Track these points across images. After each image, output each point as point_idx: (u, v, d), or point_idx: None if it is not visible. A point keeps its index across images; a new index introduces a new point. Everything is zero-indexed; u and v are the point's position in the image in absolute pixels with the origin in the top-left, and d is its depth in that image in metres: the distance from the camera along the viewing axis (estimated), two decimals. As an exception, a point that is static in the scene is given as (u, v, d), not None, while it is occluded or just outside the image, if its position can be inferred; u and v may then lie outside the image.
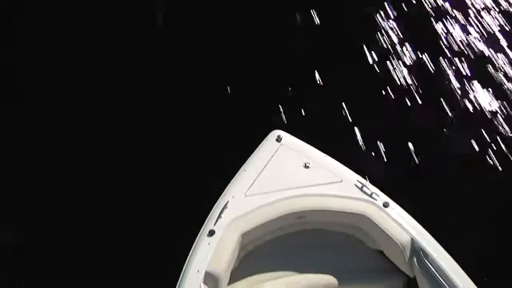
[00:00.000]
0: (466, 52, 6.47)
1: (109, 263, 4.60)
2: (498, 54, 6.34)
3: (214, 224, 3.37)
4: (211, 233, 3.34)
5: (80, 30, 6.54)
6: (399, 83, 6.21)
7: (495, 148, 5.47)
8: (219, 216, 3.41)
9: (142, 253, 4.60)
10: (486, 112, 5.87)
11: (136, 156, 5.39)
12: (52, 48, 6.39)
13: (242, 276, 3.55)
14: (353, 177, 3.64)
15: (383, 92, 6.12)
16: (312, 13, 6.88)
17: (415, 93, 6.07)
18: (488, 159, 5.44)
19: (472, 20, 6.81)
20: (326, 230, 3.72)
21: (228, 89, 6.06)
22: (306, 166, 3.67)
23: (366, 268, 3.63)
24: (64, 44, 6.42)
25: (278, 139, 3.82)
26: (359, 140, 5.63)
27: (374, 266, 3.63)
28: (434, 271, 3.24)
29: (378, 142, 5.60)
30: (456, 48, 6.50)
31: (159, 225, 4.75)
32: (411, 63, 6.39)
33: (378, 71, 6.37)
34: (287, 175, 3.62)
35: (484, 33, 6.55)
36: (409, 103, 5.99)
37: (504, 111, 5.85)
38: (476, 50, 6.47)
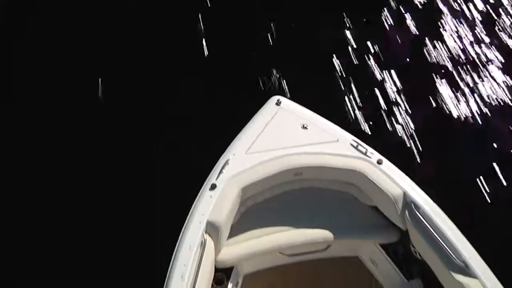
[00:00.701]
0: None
1: (116, 214, 4.86)
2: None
3: (216, 179, 3.55)
4: (213, 187, 3.52)
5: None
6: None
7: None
8: (221, 172, 3.59)
9: (148, 206, 4.86)
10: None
11: (144, 115, 5.62)
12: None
13: (242, 231, 3.73)
14: (349, 137, 3.81)
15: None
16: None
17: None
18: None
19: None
20: (323, 188, 3.89)
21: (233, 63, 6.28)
22: (304, 127, 3.84)
23: (361, 223, 3.80)
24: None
25: (278, 103, 3.99)
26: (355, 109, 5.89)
27: (368, 221, 3.80)
28: (425, 223, 3.41)
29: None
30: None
31: (164, 181, 5.01)
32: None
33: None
34: (286, 135, 3.80)
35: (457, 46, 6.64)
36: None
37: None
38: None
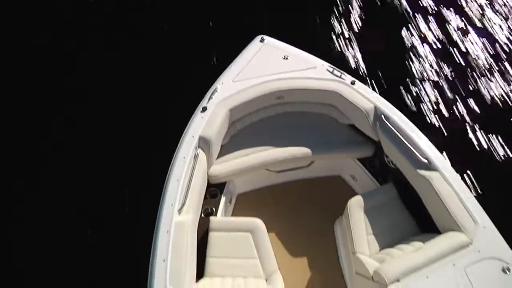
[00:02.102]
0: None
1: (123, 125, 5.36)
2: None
3: (207, 103, 3.99)
4: (204, 109, 3.95)
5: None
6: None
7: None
8: (210, 97, 4.02)
9: (150, 126, 5.34)
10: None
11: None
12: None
13: (232, 151, 4.16)
14: (325, 64, 4.23)
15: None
16: None
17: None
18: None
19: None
20: (304, 112, 4.31)
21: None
22: (285, 58, 4.25)
23: (339, 141, 4.20)
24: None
25: (261, 40, 4.41)
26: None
27: (346, 139, 4.20)
28: (393, 130, 3.81)
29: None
30: None
31: (160, 108, 5.50)
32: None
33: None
34: (268, 65, 4.21)
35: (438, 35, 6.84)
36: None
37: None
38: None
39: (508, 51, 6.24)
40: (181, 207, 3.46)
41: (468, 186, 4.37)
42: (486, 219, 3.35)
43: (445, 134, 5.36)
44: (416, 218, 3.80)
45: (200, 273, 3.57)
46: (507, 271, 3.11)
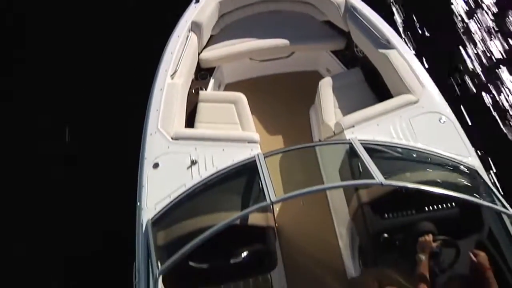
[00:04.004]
0: None
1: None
2: None
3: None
4: (197, 1, 4.54)
5: None
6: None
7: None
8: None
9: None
10: None
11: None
12: None
13: (221, 41, 4.75)
14: None
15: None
16: None
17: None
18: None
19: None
20: (285, 10, 4.89)
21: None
22: None
23: (316, 35, 4.78)
24: None
25: None
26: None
27: (322, 33, 4.78)
28: (361, 19, 4.38)
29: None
30: None
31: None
32: None
33: None
34: None
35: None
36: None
37: None
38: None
39: None
40: (173, 73, 4.07)
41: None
42: (432, 85, 3.95)
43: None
44: (378, 97, 4.38)
45: None
46: (442, 121, 3.71)
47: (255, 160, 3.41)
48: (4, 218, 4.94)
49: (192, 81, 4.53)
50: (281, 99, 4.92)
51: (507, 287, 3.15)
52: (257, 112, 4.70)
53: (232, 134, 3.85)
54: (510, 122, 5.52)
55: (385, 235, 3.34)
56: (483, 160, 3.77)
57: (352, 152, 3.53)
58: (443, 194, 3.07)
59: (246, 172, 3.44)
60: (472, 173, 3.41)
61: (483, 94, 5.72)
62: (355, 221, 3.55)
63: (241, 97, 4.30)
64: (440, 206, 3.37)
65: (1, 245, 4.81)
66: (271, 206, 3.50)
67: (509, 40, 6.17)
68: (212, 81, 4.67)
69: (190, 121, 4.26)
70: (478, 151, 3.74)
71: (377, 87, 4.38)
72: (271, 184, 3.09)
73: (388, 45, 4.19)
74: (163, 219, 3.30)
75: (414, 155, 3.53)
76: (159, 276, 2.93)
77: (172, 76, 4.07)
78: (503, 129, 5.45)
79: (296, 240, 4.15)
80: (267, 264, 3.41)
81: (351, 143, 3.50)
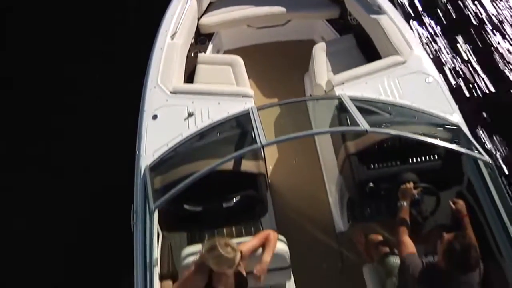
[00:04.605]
0: None
1: None
2: None
3: None
4: None
5: None
6: None
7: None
8: None
9: None
10: None
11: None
12: None
13: (219, 8, 4.92)
14: None
15: None
16: None
17: None
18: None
19: None
20: None
21: None
22: None
23: (310, 3, 4.94)
24: None
25: None
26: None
27: (316, 1, 4.96)
28: None
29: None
30: None
31: None
32: None
33: None
34: None
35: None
36: None
37: None
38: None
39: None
40: (173, 34, 4.25)
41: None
42: (420, 48, 4.13)
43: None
44: (370, 62, 4.54)
45: None
46: (428, 81, 3.89)
47: (248, 113, 3.60)
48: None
49: (192, 45, 4.72)
50: (277, 66, 5.10)
51: (482, 233, 3.35)
52: (253, 77, 4.87)
53: (227, 89, 4.05)
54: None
55: (371, 184, 3.54)
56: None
57: (341, 108, 3.72)
58: (424, 141, 3.26)
59: (240, 123, 3.64)
60: (454, 128, 3.59)
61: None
62: (343, 173, 3.74)
63: (238, 59, 4.48)
64: (423, 158, 3.56)
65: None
66: (263, 155, 3.69)
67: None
68: (210, 46, 4.85)
69: (189, 82, 4.45)
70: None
71: (369, 53, 4.56)
72: (263, 131, 3.27)
73: (379, 10, 4.37)
74: (160, 165, 3.50)
75: (400, 111, 3.72)
76: (154, 209, 3.13)
77: (172, 36, 4.25)
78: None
79: (287, 196, 4.35)
80: (258, 210, 3.61)
81: (340, 98, 3.69)
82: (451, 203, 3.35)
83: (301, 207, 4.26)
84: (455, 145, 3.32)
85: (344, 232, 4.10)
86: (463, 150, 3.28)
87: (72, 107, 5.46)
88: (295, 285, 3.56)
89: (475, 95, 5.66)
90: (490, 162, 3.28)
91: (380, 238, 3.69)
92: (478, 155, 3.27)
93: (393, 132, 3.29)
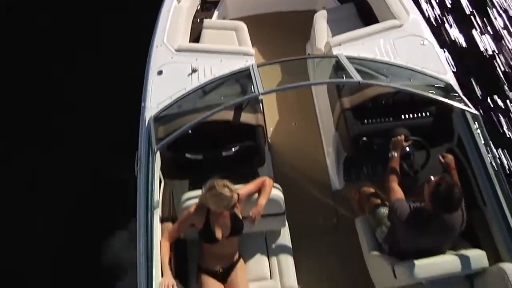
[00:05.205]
0: None
1: None
2: None
3: None
4: None
5: None
6: None
7: None
8: None
9: None
10: None
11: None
12: None
13: None
14: None
15: None
16: None
17: None
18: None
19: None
20: None
21: None
22: None
23: None
24: None
25: None
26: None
27: None
28: None
29: None
30: None
31: None
32: None
33: None
34: None
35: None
36: None
37: None
38: None
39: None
40: None
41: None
42: (417, 13, 4.28)
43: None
44: None
45: None
46: (423, 43, 4.04)
47: (249, 69, 3.77)
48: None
49: (198, 11, 4.89)
50: (280, 35, 5.25)
51: (469, 185, 3.50)
52: (257, 45, 5.02)
53: (230, 48, 4.23)
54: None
55: (364, 138, 3.70)
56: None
57: (338, 67, 3.88)
58: (414, 92, 3.41)
59: (241, 79, 3.82)
60: (446, 86, 3.74)
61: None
62: (339, 129, 3.91)
63: (242, 25, 4.65)
64: (415, 115, 3.72)
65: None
66: (262, 108, 3.86)
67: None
68: (216, 13, 5.02)
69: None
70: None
71: (369, 22, 4.69)
72: (261, 83, 3.45)
73: None
74: (164, 115, 3.69)
75: (395, 70, 3.87)
76: (156, 151, 3.32)
77: (179, 0, 4.43)
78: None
79: (286, 156, 4.52)
80: (256, 161, 3.79)
81: (337, 57, 3.85)
82: (440, 157, 3.50)
83: (299, 166, 4.43)
84: (443, 98, 3.48)
85: (340, 190, 4.27)
86: (451, 101, 3.43)
87: (72, 106, 5.51)
88: (290, 232, 3.73)
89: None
90: (477, 114, 3.43)
91: (371, 190, 3.85)
92: (465, 107, 3.42)
93: (384, 84, 3.44)
